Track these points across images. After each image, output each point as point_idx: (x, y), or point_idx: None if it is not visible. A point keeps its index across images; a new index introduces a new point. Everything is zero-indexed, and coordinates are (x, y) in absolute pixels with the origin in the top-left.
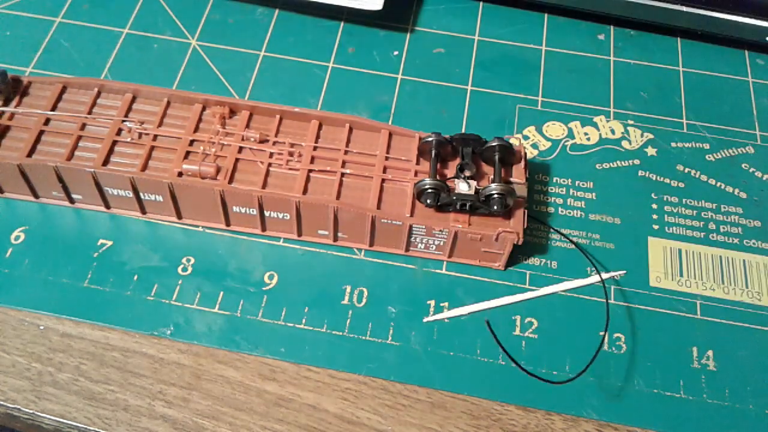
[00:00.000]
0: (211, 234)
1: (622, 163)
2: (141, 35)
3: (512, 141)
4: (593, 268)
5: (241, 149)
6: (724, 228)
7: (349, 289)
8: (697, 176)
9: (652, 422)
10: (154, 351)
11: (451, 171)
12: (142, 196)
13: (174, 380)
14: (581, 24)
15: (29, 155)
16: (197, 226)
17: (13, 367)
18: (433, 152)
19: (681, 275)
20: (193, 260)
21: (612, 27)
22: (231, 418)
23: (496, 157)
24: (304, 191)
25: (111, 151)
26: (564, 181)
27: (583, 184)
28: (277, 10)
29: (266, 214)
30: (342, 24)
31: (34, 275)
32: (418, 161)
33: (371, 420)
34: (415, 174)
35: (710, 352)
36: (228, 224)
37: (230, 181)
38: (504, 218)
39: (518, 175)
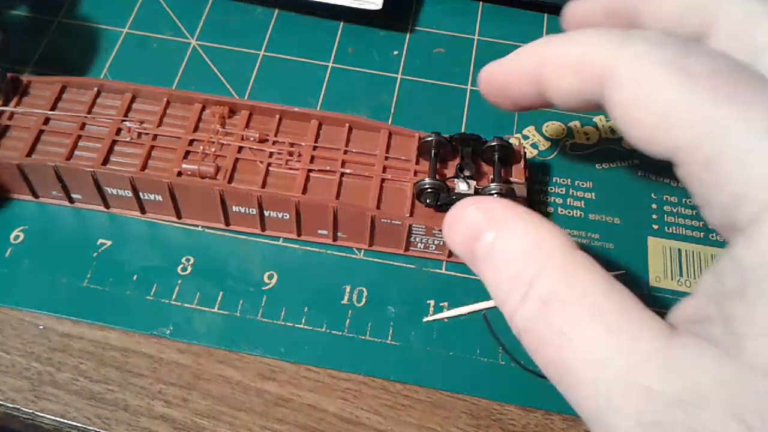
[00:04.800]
0: (211, 234)
1: (622, 163)
2: (141, 35)
3: (512, 141)
4: None
5: (240, 149)
6: None
7: (348, 288)
8: None
9: None
10: (153, 351)
11: (450, 171)
12: (142, 196)
13: (173, 380)
14: None
15: (29, 155)
16: (197, 226)
17: (13, 366)
18: (433, 152)
19: (681, 275)
20: (192, 260)
21: None
22: (231, 418)
23: (496, 157)
24: (304, 191)
25: (110, 151)
26: (564, 181)
27: (583, 184)
28: (277, 10)
29: (266, 213)
30: (342, 24)
31: (34, 275)
32: (418, 161)
33: (371, 420)
34: (415, 174)
35: None
36: (228, 224)
37: (230, 181)
38: None
39: (518, 175)
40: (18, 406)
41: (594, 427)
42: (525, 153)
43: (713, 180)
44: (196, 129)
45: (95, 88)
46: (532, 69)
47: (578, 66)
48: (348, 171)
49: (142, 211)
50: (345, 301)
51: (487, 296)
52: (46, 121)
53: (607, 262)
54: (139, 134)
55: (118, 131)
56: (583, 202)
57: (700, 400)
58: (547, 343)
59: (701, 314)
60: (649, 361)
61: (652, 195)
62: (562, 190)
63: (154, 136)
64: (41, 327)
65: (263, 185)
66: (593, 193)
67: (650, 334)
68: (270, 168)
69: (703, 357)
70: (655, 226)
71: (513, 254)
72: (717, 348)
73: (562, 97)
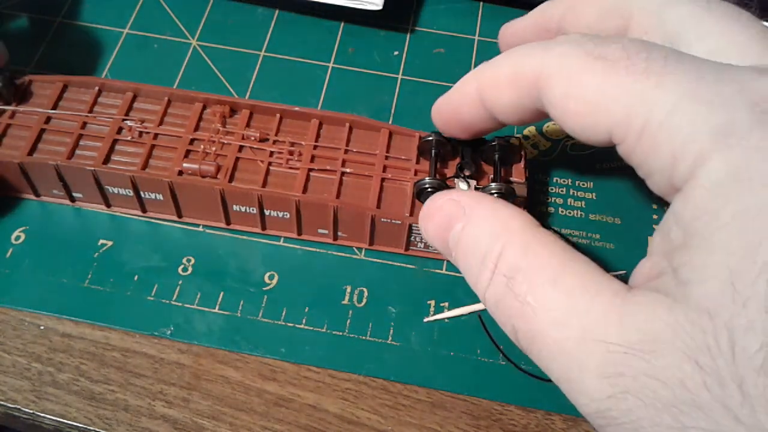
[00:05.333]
0: (212, 234)
1: (623, 163)
2: (141, 35)
3: (512, 140)
4: None
5: (241, 148)
6: None
7: (349, 289)
8: None
9: None
10: (154, 351)
11: (450, 170)
12: (143, 195)
13: (174, 380)
14: None
15: (30, 154)
16: (197, 226)
17: (13, 367)
18: (433, 151)
19: None
20: (193, 260)
21: None
22: (231, 418)
23: (496, 157)
24: (304, 190)
25: (111, 150)
26: (564, 181)
27: (583, 184)
28: (277, 10)
29: (266, 212)
30: (342, 24)
31: (35, 275)
32: (418, 160)
33: (371, 420)
34: (415, 173)
35: None
36: (228, 223)
37: (230, 180)
38: None
39: (518, 175)
40: (19, 407)
41: (565, 389)
42: (525, 153)
43: (647, 149)
44: (196, 128)
45: (96, 88)
46: (474, 93)
47: (512, 79)
48: (348, 170)
49: (143, 210)
50: (345, 301)
51: None
52: (48, 120)
53: (607, 263)
54: (140, 133)
55: (119, 130)
56: (583, 202)
57: (655, 347)
58: (515, 314)
59: (655, 271)
60: (606, 318)
61: (653, 195)
62: (562, 190)
63: (155, 135)
64: (42, 327)
65: (264, 184)
66: (594, 193)
67: (607, 295)
68: (270, 167)
69: (656, 307)
70: (655, 226)
71: (479, 238)
72: (668, 298)
73: (507, 112)
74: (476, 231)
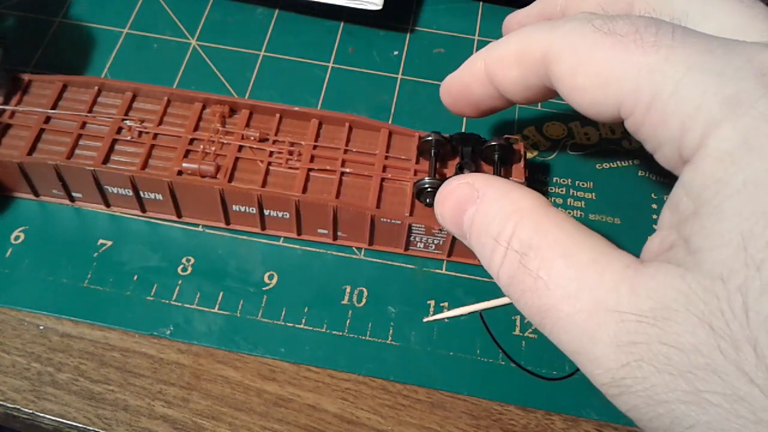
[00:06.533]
0: (211, 234)
1: (622, 163)
2: (141, 35)
3: (512, 140)
4: None
5: (241, 148)
6: None
7: (348, 289)
8: None
9: None
10: (153, 351)
11: (450, 170)
12: (142, 195)
13: (174, 380)
14: None
15: (29, 153)
16: (197, 226)
17: (13, 367)
18: (433, 151)
19: None
20: (193, 260)
21: None
22: (231, 418)
23: (496, 157)
24: (304, 190)
25: (111, 150)
26: (564, 181)
27: (583, 184)
28: (277, 10)
29: (266, 212)
30: (342, 24)
31: (34, 275)
32: (418, 160)
33: (371, 420)
34: (415, 173)
35: None
36: (228, 223)
37: (230, 180)
38: None
39: (518, 175)
40: (18, 407)
41: (578, 361)
42: (525, 153)
43: (656, 121)
44: (196, 128)
45: (96, 87)
46: (483, 71)
47: (520, 56)
48: (348, 170)
49: (143, 210)
50: (345, 301)
51: (487, 296)
52: (47, 119)
53: None
54: (140, 133)
55: (119, 130)
56: (583, 202)
57: (668, 314)
58: (527, 289)
59: (666, 245)
60: (617, 289)
61: (652, 195)
62: (562, 190)
63: (155, 135)
64: (41, 327)
65: (263, 184)
66: (593, 193)
67: (618, 267)
68: (270, 167)
69: (668, 277)
70: (655, 226)
71: (492, 219)
72: (680, 267)
73: (515, 90)
74: (489, 212)
